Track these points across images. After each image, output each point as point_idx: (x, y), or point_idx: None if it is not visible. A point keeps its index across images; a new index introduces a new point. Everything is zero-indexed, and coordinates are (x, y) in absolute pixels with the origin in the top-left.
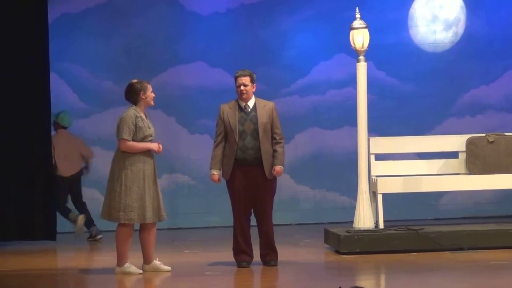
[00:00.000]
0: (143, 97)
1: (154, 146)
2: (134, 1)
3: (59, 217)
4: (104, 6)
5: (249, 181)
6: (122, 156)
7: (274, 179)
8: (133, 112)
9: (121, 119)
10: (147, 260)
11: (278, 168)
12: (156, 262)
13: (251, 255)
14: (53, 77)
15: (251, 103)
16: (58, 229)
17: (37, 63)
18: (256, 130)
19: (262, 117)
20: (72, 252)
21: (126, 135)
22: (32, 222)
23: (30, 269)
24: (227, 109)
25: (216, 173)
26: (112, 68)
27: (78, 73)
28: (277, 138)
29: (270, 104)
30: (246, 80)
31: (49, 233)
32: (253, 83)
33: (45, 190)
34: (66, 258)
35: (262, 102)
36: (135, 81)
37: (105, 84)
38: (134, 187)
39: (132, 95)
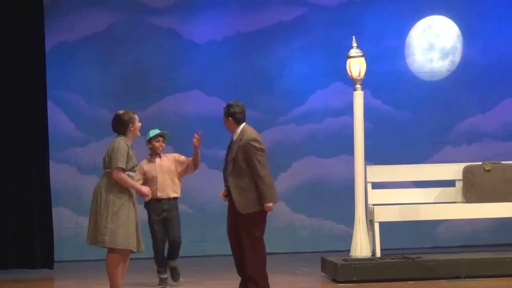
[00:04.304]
0: (132, 129)
1: (144, 189)
2: (131, 30)
3: (56, 245)
4: (101, 34)
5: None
6: (110, 183)
7: None
8: (123, 141)
9: (115, 149)
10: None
11: None
12: None
13: (243, 285)
14: (50, 105)
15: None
16: (56, 257)
17: (34, 92)
18: None
19: None
20: (70, 280)
21: (122, 163)
22: (30, 251)
23: None
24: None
25: None
26: (109, 96)
27: (75, 102)
28: None
29: None
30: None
31: (47, 262)
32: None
33: (42, 218)
34: (64, 286)
35: None
36: (121, 112)
37: (102, 113)
38: (120, 214)
39: (120, 127)
